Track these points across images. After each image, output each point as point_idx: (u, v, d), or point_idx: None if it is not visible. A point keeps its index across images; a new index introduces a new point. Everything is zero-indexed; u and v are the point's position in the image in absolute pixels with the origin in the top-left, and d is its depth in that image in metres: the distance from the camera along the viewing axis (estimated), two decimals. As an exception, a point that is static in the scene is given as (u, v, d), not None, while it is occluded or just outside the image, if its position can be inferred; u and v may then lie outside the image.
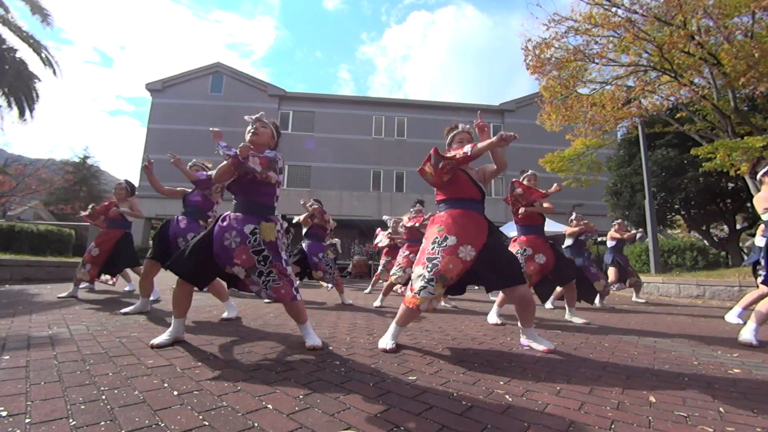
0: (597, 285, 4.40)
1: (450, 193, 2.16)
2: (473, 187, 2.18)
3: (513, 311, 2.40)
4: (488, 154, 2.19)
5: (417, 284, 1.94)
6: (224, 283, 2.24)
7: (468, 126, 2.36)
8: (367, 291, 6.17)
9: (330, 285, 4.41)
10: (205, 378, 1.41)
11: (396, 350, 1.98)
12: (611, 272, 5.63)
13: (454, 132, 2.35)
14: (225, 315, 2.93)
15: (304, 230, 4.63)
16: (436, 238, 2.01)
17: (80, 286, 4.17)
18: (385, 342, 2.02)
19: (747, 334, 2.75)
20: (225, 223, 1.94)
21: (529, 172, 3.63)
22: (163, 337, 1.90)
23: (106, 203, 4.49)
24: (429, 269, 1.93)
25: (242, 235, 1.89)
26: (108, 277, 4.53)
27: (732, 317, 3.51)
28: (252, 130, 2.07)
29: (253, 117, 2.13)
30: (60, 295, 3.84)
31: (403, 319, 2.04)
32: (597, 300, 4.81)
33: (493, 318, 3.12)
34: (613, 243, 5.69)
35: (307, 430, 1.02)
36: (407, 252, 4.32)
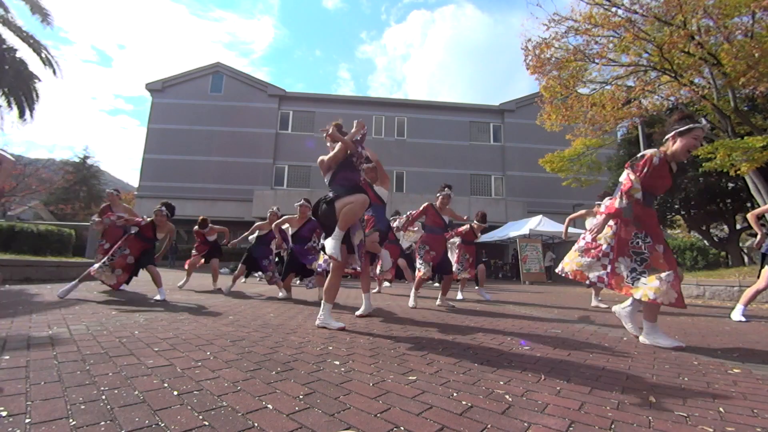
0: None
1: None
2: None
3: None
4: None
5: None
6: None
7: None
8: (375, 290, 6.27)
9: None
10: (205, 378, 1.41)
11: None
12: None
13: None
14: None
15: (291, 232, 4.89)
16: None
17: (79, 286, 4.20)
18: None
19: (736, 314, 3.65)
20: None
21: (446, 191, 4.22)
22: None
23: (104, 206, 4.64)
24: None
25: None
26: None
27: (737, 315, 3.69)
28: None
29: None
30: (59, 293, 3.83)
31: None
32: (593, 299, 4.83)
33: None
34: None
35: (307, 430, 1.01)
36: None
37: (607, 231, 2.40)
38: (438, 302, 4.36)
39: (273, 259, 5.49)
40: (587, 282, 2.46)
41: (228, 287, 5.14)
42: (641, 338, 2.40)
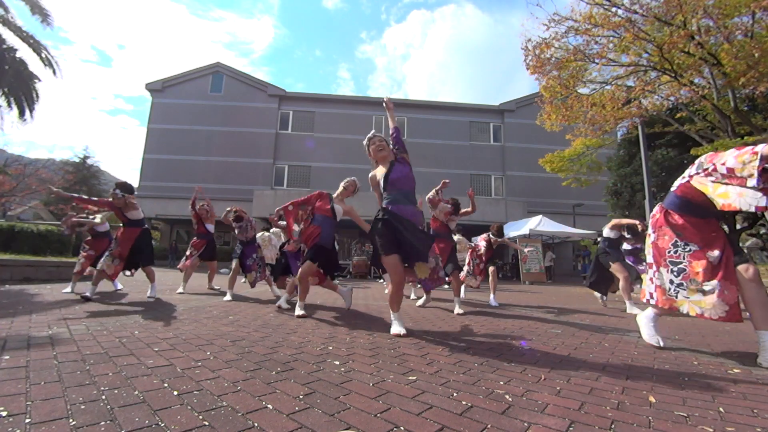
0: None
1: None
2: None
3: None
4: None
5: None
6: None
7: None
8: (387, 291, 6.21)
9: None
10: (205, 378, 1.41)
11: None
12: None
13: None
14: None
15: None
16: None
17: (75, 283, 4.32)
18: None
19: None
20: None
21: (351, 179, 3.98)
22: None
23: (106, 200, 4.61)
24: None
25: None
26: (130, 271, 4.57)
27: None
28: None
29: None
30: (65, 291, 3.85)
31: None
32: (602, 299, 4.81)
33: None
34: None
35: (307, 430, 1.02)
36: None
37: (647, 240, 2.25)
38: (457, 310, 3.81)
39: (258, 259, 5.12)
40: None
41: (229, 293, 4.61)
42: (637, 315, 2.42)
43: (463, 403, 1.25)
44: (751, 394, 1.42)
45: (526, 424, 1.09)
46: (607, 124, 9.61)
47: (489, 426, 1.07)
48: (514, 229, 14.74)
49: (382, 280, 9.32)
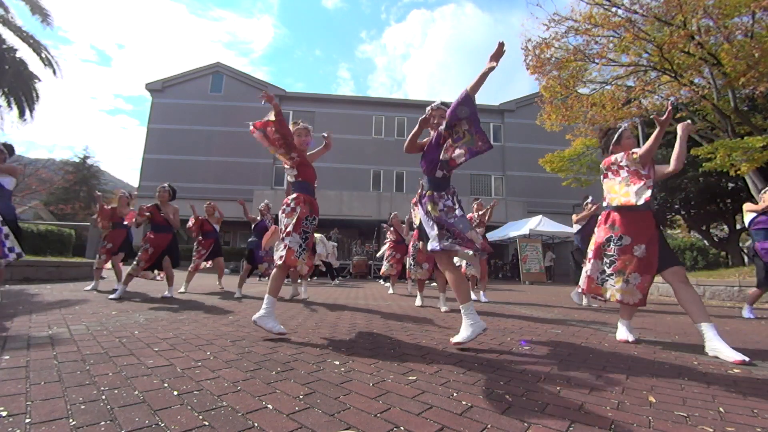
0: None
1: None
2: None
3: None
4: None
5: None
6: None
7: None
8: (390, 291, 6.29)
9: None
10: (205, 378, 1.41)
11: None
12: None
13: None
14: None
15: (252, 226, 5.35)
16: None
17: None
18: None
19: (746, 312, 4.08)
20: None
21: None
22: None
23: (109, 208, 4.84)
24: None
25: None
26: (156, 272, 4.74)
27: (746, 313, 4.08)
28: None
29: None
30: (111, 297, 3.90)
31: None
32: (582, 299, 4.83)
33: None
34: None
35: (307, 430, 1.01)
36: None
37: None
38: (442, 307, 3.91)
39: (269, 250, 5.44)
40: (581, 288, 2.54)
41: (239, 292, 4.82)
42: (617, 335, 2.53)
43: (463, 403, 1.25)
44: (751, 394, 1.42)
45: (526, 424, 1.09)
46: (607, 124, 9.61)
47: (489, 426, 1.07)
48: (514, 229, 14.75)
49: (382, 281, 9.31)
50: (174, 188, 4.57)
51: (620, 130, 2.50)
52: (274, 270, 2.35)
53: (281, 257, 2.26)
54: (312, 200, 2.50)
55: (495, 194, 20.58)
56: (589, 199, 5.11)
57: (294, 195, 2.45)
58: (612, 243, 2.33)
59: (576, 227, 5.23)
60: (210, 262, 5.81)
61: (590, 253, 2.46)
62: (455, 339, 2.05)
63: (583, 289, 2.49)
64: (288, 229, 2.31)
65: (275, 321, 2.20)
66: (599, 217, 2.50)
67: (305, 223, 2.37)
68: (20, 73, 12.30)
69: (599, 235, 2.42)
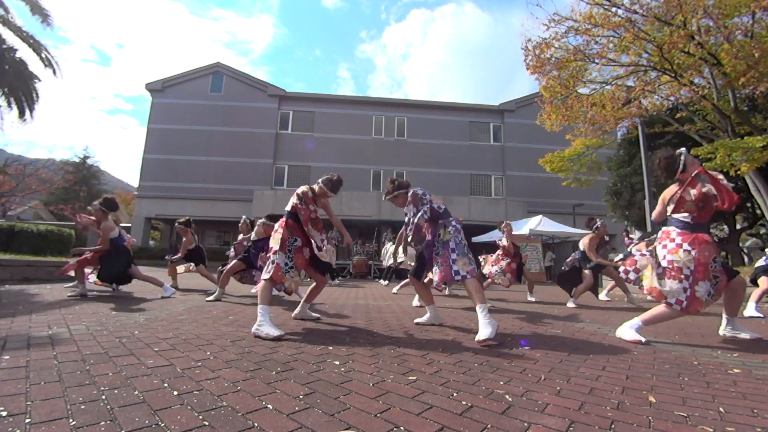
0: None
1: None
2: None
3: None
4: None
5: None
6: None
7: None
8: (394, 291, 6.31)
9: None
10: (205, 378, 1.41)
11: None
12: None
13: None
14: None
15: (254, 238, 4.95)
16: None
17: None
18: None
19: (750, 310, 3.97)
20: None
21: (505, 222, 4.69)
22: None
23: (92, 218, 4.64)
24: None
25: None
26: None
27: (750, 312, 4.02)
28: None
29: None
30: (70, 294, 3.90)
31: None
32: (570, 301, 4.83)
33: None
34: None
35: (307, 430, 1.02)
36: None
37: (685, 255, 2.37)
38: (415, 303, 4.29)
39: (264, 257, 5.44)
40: (663, 301, 2.43)
41: (219, 292, 4.39)
42: (618, 332, 2.59)
43: (463, 403, 1.25)
44: (751, 394, 1.42)
45: (526, 424, 1.09)
46: (607, 124, 9.61)
47: (489, 426, 1.07)
48: (514, 230, 14.76)
49: (382, 281, 9.34)
50: (110, 200, 4.25)
51: (683, 157, 2.56)
52: (261, 283, 2.51)
53: (268, 272, 2.47)
54: (296, 225, 2.69)
55: (495, 194, 20.58)
56: (598, 223, 4.95)
57: (281, 219, 2.71)
58: (715, 263, 2.37)
59: (586, 254, 4.95)
60: (192, 266, 5.67)
61: (694, 274, 2.34)
62: (481, 337, 2.19)
63: (682, 309, 2.38)
64: (275, 248, 2.53)
65: (272, 326, 2.25)
66: (676, 238, 2.45)
67: (288, 244, 2.57)
68: (20, 73, 12.29)
69: (703, 255, 2.34)
